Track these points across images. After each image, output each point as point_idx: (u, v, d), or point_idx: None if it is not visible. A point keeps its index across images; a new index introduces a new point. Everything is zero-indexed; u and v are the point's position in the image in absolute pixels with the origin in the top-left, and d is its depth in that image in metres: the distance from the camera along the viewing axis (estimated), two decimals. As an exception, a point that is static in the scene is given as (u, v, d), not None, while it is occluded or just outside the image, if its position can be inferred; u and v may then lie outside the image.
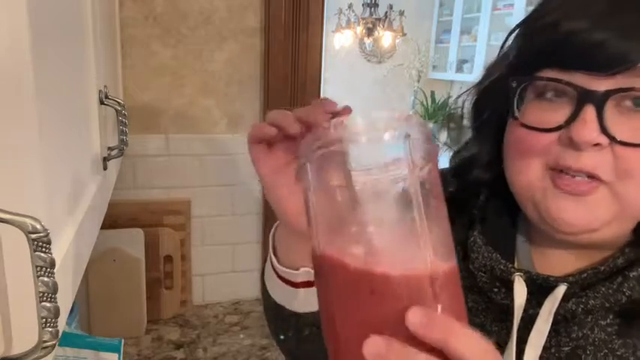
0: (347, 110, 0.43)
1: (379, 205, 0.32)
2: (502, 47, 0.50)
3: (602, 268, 0.46)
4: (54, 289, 0.28)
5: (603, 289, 0.45)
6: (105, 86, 0.66)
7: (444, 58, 4.78)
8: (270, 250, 0.54)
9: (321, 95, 1.42)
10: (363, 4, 4.05)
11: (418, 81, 4.90)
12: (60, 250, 0.38)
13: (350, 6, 4.24)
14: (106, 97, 0.64)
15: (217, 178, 1.34)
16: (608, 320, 0.46)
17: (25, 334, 0.29)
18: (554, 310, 0.46)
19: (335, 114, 0.41)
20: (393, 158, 0.31)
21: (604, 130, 0.41)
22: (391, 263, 0.30)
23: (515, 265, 0.52)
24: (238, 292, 1.44)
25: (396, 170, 0.31)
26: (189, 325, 1.31)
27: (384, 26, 4.05)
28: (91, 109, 0.59)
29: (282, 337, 0.59)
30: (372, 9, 3.99)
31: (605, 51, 0.39)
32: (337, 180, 0.32)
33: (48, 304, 0.28)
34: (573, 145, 0.42)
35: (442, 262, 0.31)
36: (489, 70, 0.52)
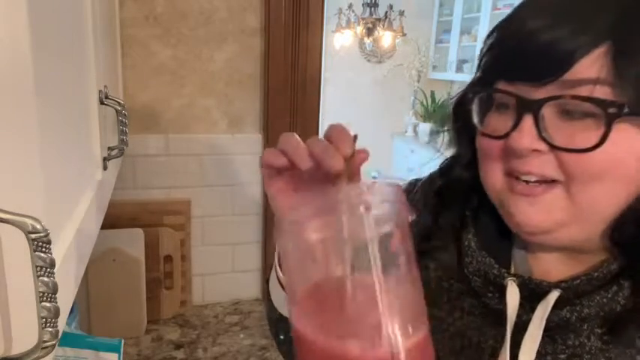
0: (363, 156, 0.46)
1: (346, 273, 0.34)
2: (482, 51, 0.51)
3: (596, 274, 0.46)
4: (54, 289, 0.28)
5: (598, 297, 0.46)
6: (105, 86, 0.66)
7: (444, 58, 4.78)
8: (276, 260, 0.55)
9: (321, 95, 1.42)
10: (363, 4, 4.05)
11: (418, 81, 4.90)
12: (60, 250, 0.38)
13: (350, 6, 4.24)
14: (106, 97, 0.64)
15: (217, 178, 1.34)
16: (605, 329, 0.46)
17: (25, 334, 0.29)
18: (546, 315, 0.47)
19: (347, 157, 0.43)
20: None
21: (542, 136, 0.43)
22: (350, 341, 0.31)
23: (512, 270, 0.53)
24: (238, 292, 1.44)
25: (358, 238, 0.33)
26: (189, 325, 1.31)
27: (384, 26, 4.06)
28: (91, 109, 0.59)
29: (281, 337, 0.60)
30: (372, 9, 3.99)
31: (553, 52, 0.41)
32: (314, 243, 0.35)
33: (48, 304, 0.28)
34: (515, 152, 0.44)
35: (406, 339, 0.31)
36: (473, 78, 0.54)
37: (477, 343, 0.52)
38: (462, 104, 0.53)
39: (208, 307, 1.40)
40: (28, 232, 0.26)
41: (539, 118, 0.43)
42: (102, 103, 0.63)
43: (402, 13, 4.17)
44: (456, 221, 0.56)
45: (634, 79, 0.40)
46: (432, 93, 4.89)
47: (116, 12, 1.09)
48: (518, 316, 0.49)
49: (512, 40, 0.45)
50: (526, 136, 0.43)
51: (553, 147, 0.43)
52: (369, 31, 4.06)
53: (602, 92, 0.40)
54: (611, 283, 0.46)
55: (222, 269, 1.41)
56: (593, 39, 0.40)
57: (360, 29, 4.12)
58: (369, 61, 4.91)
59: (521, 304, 0.49)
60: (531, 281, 0.49)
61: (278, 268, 0.54)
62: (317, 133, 1.38)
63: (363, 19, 4.06)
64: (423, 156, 4.59)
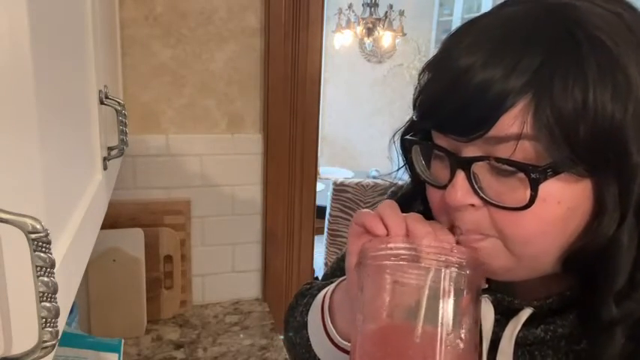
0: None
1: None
2: (415, 90, 0.49)
3: (568, 293, 0.46)
4: (54, 289, 0.28)
5: (571, 316, 0.45)
6: (105, 86, 0.66)
7: (444, 58, 4.78)
8: (327, 312, 0.56)
9: (321, 95, 1.42)
10: (363, 4, 4.05)
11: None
12: (60, 250, 0.38)
13: (350, 6, 4.24)
14: (106, 97, 0.64)
15: (217, 178, 1.34)
16: (582, 345, 0.46)
17: (25, 334, 0.29)
18: (515, 333, 0.47)
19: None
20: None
21: (475, 192, 0.42)
22: None
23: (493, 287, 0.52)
24: (238, 292, 1.44)
25: (435, 290, 0.39)
26: (189, 325, 1.31)
27: (384, 26, 4.05)
28: (91, 109, 0.59)
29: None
30: (372, 9, 3.99)
31: (485, 97, 0.39)
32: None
33: (48, 304, 0.28)
34: (451, 207, 0.44)
35: None
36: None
37: None
38: (404, 145, 0.52)
39: (208, 307, 1.40)
40: (28, 232, 0.26)
41: (472, 175, 0.42)
42: (102, 103, 0.63)
43: (402, 13, 4.17)
44: None
45: (555, 132, 0.38)
46: (432, 93, 4.89)
47: (116, 12, 1.09)
48: (494, 332, 0.49)
49: (445, 80, 0.42)
50: (459, 190, 0.42)
51: (486, 202, 0.42)
52: (369, 31, 4.06)
53: (526, 149, 0.39)
54: (584, 302, 0.45)
55: (222, 269, 1.41)
56: (520, 85, 0.38)
57: (360, 29, 4.12)
58: (369, 61, 4.91)
59: (496, 321, 0.49)
60: (504, 299, 0.49)
61: (330, 323, 0.55)
62: (317, 133, 1.39)
63: (363, 19, 4.06)
64: (423, 156, 4.59)
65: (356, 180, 2.80)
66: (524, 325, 0.48)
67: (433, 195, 0.47)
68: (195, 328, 1.30)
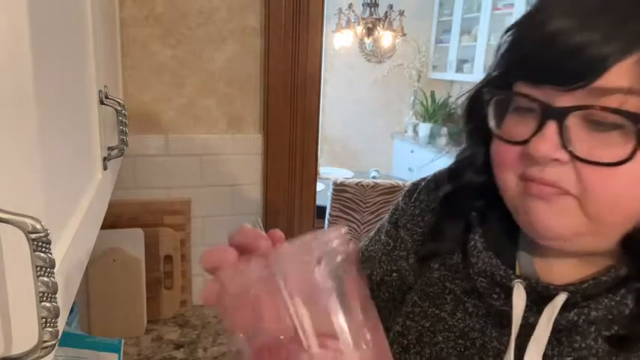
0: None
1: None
2: (497, 50, 0.49)
3: (604, 278, 0.45)
4: (54, 289, 0.28)
5: (606, 300, 0.45)
6: (105, 86, 0.66)
7: (444, 58, 4.79)
8: None
9: (321, 95, 1.42)
10: (363, 4, 4.05)
11: (418, 81, 4.90)
12: (60, 250, 0.38)
13: (350, 6, 4.24)
14: (106, 97, 0.64)
15: (217, 178, 1.34)
16: (612, 332, 0.45)
17: (25, 334, 0.29)
18: (553, 318, 0.46)
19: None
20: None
21: (564, 145, 0.41)
22: None
23: (517, 271, 0.52)
24: (238, 292, 1.44)
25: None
26: (189, 325, 1.31)
27: (384, 26, 4.05)
28: (91, 109, 0.59)
29: None
30: (372, 9, 3.99)
31: (584, 56, 0.38)
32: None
33: (48, 304, 0.28)
34: (534, 159, 0.42)
35: None
36: (485, 76, 0.51)
37: (480, 345, 0.52)
38: (475, 104, 0.51)
39: (208, 307, 1.40)
40: (28, 232, 0.26)
41: (563, 127, 0.41)
42: (102, 103, 0.63)
43: (402, 13, 4.17)
44: (462, 224, 0.55)
45: None
46: (432, 93, 4.89)
47: (116, 12, 1.09)
48: (524, 318, 0.48)
49: (537, 40, 0.42)
50: (548, 143, 0.41)
51: (575, 158, 0.41)
52: (369, 31, 4.06)
53: (634, 104, 0.38)
54: (620, 287, 0.45)
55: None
56: (626, 45, 0.38)
57: (360, 29, 4.12)
58: (369, 61, 4.91)
59: (527, 306, 0.48)
60: (538, 284, 0.48)
61: None
62: (317, 133, 1.38)
63: (363, 19, 4.06)
64: (423, 156, 4.60)
65: (356, 180, 2.80)
66: None
67: (504, 152, 0.46)
68: (195, 328, 1.30)
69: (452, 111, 4.73)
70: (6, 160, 0.27)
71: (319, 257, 0.33)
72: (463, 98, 0.54)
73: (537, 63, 0.42)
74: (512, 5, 3.81)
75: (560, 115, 0.41)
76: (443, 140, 4.62)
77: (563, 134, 0.41)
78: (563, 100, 0.41)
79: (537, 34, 0.42)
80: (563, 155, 0.41)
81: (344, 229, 0.35)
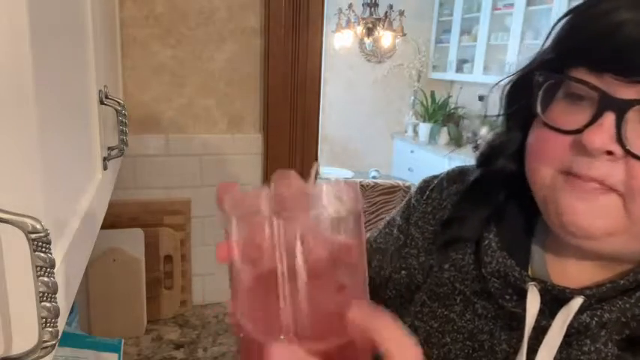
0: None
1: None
2: (549, 34, 0.47)
3: (622, 282, 0.44)
4: (54, 289, 0.28)
5: (620, 302, 0.43)
6: (105, 86, 0.66)
7: (444, 58, 4.79)
8: None
9: (321, 95, 1.42)
10: (363, 4, 4.05)
11: (418, 81, 4.90)
12: (60, 250, 0.38)
13: (350, 6, 4.24)
14: (106, 97, 0.64)
15: (217, 178, 1.34)
16: (624, 335, 0.44)
17: (25, 334, 0.29)
18: (567, 322, 0.45)
19: None
20: None
21: (619, 139, 0.39)
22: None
23: (530, 272, 0.50)
24: (238, 292, 1.44)
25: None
26: (189, 325, 1.31)
27: (384, 26, 4.06)
28: (91, 109, 0.59)
29: None
30: (372, 9, 3.99)
31: None
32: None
33: (48, 304, 0.28)
34: (586, 150, 0.40)
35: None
36: (529, 62, 0.49)
37: (489, 347, 0.51)
38: (520, 87, 0.49)
39: (208, 307, 1.40)
40: (28, 232, 0.26)
41: (623, 120, 0.38)
42: (102, 103, 0.63)
43: (402, 13, 4.18)
44: (485, 212, 0.53)
45: None
46: (432, 93, 4.89)
47: (116, 12, 1.09)
48: (537, 321, 0.47)
49: (602, 28, 0.40)
50: (604, 135, 0.39)
51: (629, 154, 0.39)
52: (369, 31, 4.06)
53: None
54: (635, 290, 0.44)
55: (223, 269, 1.40)
56: None
57: (360, 29, 4.12)
58: (369, 61, 4.91)
59: (539, 309, 0.47)
60: (554, 287, 0.46)
61: None
62: (317, 132, 1.38)
63: (363, 19, 4.06)
64: (423, 156, 4.60)
65: (356, 180, 2.80)
66: None
67: (548, 140, 0.44)
68: (195, 328, 1.30)
69: (452, 111, 4.73)
70: (6, 160, 0.27)
71: (323, 207, 0.31)
72: (506, 80, 0.52)
73: (600, 51, 0.40)
74: (512, 5, 3.82)
75: (621, 106, 0.39)
76: (443, 140, 4.62)
77: (620, 127, 0.38)
78: (624, 92, 0.39)
79: (602, 22, 0.40)
80: (617, 149, 0.39)
81: (357, 185, 0.33)
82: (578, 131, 0.40)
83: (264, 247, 0.32)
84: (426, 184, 0.63)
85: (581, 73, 0.41)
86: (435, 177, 0.64)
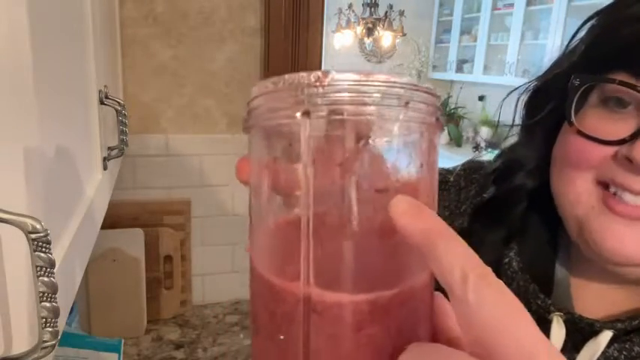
0: None
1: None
2: (572, 38, 0.43)
3: None
4: (54, 289, 0.28)
5: None
6: (105, 86, 0.66)
7: (444, 58, 4.79)
8: None
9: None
10: (363, 4, 4.05)
11: (418, 81, 4.90)
12: (60, 250, 0.38)
13: (350, 6, 4.24)
14: (106, 97, 0.64)
15: (217, 178, 1.34)
16: None
17: (25, 334, 0.29)
18: (595, 358, 0.41)
19: None
20: None
21: None
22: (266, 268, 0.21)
23: (553, 296, 0.46)
24: (238, 292, 1.44)
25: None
26: (189, 325, 1.31)
27: (384, 26, 4.06)
28: (91, 109, 0.59)
29: None
30: (372, 9, 3.99)
31: None
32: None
33: (48, 304, 0.28)
34: (632, 164, 0.36)
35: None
36: (552, 66, 0.46)
37: None
38: (544, 94, 0.45)
39: (208, 307, 1.40)
40: (28, 232, 0.26)
41: None
42: (102, 103, 0.63)
43: (402, 13, 4.17)
44: (503, 232, 0.48)
45: None
46: (432, 93, 4.89)
47: (116, 12, 1.09)
48: None
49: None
50: None
51: None
52: (369, 31, 4.06)
53: None
54: None
55: (222, 269, 1.41)
56: None
57: (360, 29, 4.12)
58: (369, 61, 4.91)
59: (564, 342, 0.43)
60: (582, 320, 0.42)
61: None
62: (317, 133, 1.38)
63: (363, 19, 4.06)
64: (423, 156, 4.59)
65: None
66: None
67: (583, 151, 0.39)
68: (195, 328, 1.30)
69: (452, 111, 4.73)
70: (6, 160, 0.27)
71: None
72: (522, 89, 0.47)
73: None
74: (512, 5, 3.82)
75: None
76: (443, 140, 4.62)
77: None
78: None
79: (634, 27, 0.36)
80: None
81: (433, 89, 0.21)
82: (623, 141, 0.37)
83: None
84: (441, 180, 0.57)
85: (624, 77, 0.37)
86: (448, 172, 0.57)
